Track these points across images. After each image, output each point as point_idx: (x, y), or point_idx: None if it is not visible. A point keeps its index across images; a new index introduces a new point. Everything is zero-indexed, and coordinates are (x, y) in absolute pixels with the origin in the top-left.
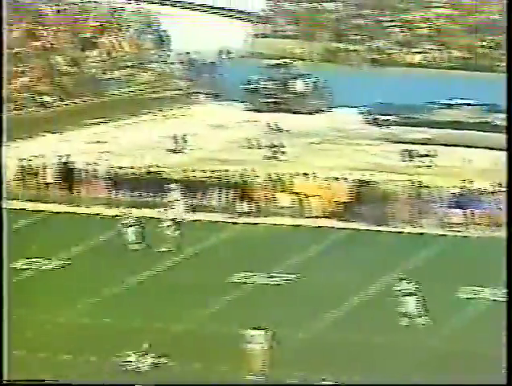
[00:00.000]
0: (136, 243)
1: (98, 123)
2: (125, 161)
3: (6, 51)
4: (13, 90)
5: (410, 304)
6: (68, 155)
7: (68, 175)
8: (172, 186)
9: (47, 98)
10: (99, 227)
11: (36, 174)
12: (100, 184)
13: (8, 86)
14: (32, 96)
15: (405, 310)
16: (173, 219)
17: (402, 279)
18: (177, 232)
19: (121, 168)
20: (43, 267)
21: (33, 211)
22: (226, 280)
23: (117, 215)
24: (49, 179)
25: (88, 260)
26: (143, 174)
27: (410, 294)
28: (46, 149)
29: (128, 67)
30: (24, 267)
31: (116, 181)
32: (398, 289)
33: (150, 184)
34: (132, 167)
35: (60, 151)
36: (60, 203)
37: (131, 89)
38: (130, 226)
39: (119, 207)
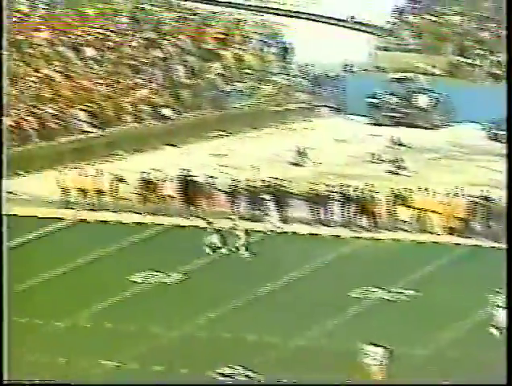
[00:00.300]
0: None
1: (219, 136)
2: (245, 174)
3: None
4: (131, 102)
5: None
6: (188, 169)
7: (188, 189)
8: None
9: (166, 111)
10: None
11: (156, 188)
12: (220, 197)
13: (126, 98)
14: (152, 109)
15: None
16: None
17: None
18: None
19: (240, 181)
20: (162, 280)
21: (154, 224)
22: (346, 295)
23: (233, 228)
24: (169, 192)
25: (207, 274)
26: (263, 187)
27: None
28: (165, 163)
29: (251, 79)
30: (142, 281)
31: (236, 194)
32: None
33: (270, 197)
34: (252, 180)
35: (180, 164)
36: (180, 217)
37: (253, 102)
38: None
39: (237, 220)
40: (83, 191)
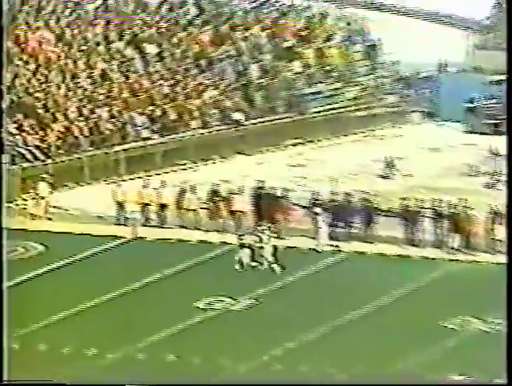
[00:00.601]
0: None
1: (296, 144)
2: (326, 187)
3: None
4: (198, 105)
5: None
6: (262, 181)
7: (261, 203)
8: (317, 210)
9: (237, 115)
10: (292, 261)
11: (225, 202)
12: (297, 213)
13: (192, 101)
14: (221, 112)
15: None
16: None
17: None
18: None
19: (321, 195)
20: (229, 307)
21: (222, 243)
22: (439, 323)
23: (315, 250)
24: (240, 207)
25: (280, 299)
26: (346, 201)
27: None
28: (236, 174)
29: (333, 80)
30: (207, 307)
31: (316, 209)
32: None
33: (354, 213)
34: (334, 194)
35: (253, 175)
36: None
37: (335, 105)
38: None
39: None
40: (142, 206)
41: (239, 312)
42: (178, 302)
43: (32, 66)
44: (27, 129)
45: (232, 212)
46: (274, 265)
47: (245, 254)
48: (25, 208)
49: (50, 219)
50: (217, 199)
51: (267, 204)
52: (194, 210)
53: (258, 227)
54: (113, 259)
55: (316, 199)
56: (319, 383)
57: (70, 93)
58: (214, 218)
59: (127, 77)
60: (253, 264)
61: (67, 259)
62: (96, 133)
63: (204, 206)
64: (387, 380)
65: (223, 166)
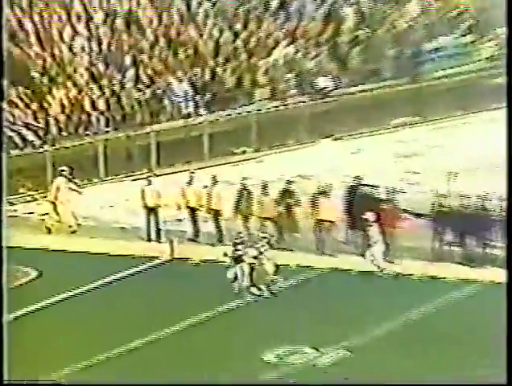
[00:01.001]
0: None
1: (405, 124)
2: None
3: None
4: (266, 67)
5: None
6: (359, 177)
7: (358, 207)
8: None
9: (324, 81)
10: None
11: (305, 206)
12: (410, 222)
13: (258, 61)
14: (300, 77)
15: None
16: None
17: None
18: None
19: (440, 197)
20: (310, 361)
21: (301, 266)
22: None
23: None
24: (326, 215)
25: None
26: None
27: None
28: (320, 166)
29: (465, 32)
30: (279, 360)
31: (434, 216)
32: None
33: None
34: (464, 196)
35: (346, 169)
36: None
37: (464, 68)
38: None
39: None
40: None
41: (322, 368)
42: (238, 353)
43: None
44: (15, 100)
45: (318, 222)
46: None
47: (242, 272)
48: (17, 216)
49: (74, 232)
50: (292, 202)
51: (365, 209)
52: (267, 219)
53: (260, 234)
54: (141, 290)
55: (441, 205)
56: None
57: (77, 45)
58: (286, 230)
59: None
60: (254, 290)
61: (69, 291)
62: (115, 107)
63: (273, 212)
64: (387, 380)
65: (300, 155)
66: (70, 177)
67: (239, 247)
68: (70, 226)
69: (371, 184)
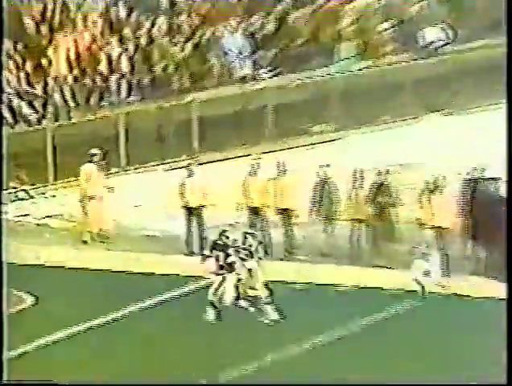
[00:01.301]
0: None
1: None
2: None
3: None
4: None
5: None
6: (482, 168)
7: (477, 208)
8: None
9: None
10: None
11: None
12: None
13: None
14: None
15: None
16: None
17: None
18: None
19: None
20: None
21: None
22: None
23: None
24: (444, 221)
25: None
26: None
27: None
28: (430, 151)
29: None
30: None
31: None
32: None
33: None
34: None
35: (463, 156)
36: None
37: None
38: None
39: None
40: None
41: None
42: None
43: None
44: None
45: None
46: (268, 307)
47: (228, 285)
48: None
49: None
50: (387, 200)
51: (487, 211)
52: (360, 221)
53: (246, 236)
54: (182, 317)
55: None
56: None
57: None
58: (381, 242)
59: None
60: (242, 303)
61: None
62: (142, 67)
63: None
64: (387, 380)
65: (399, 135)
66: (103, 163)
67: (231, 252)
68: (107, 236)
69: (494, 177)
